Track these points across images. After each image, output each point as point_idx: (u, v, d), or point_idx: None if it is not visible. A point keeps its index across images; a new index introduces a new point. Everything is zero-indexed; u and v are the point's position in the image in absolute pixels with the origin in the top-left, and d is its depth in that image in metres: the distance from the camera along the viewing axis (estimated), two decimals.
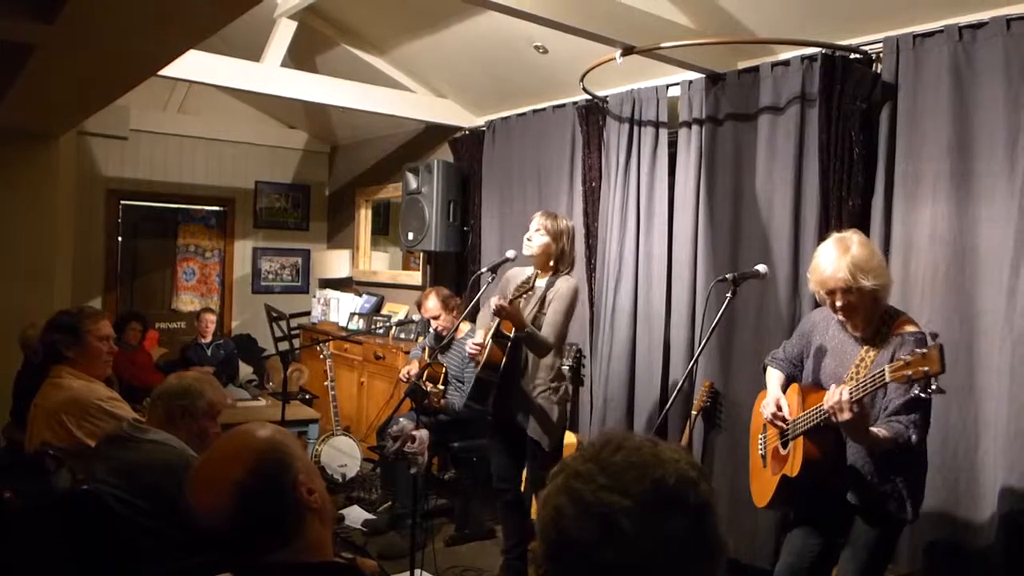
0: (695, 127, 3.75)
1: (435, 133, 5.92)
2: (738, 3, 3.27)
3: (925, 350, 2.00)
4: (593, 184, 4.33)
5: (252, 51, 4.68)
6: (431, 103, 5.41)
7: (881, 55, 3.12)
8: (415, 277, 6.29)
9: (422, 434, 3.37)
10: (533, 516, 3.45)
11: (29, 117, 4.83)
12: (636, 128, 4.06)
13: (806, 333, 2.61)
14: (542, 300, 3.32)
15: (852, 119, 3.12)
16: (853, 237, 2.33)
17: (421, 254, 6.06)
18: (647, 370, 3.98)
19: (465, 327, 4.47)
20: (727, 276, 2.72)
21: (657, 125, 3.97)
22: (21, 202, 5.39)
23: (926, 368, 1.99)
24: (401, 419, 3.77)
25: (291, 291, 7.53)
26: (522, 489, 3.60)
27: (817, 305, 2.62)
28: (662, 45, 3.29)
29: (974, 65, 2.84)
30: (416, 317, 4.54)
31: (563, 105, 4.62)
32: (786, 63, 3.38)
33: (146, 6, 2.80)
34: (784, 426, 2.46)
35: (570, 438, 3.92)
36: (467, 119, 5.49)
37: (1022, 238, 2.68)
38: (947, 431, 2.85)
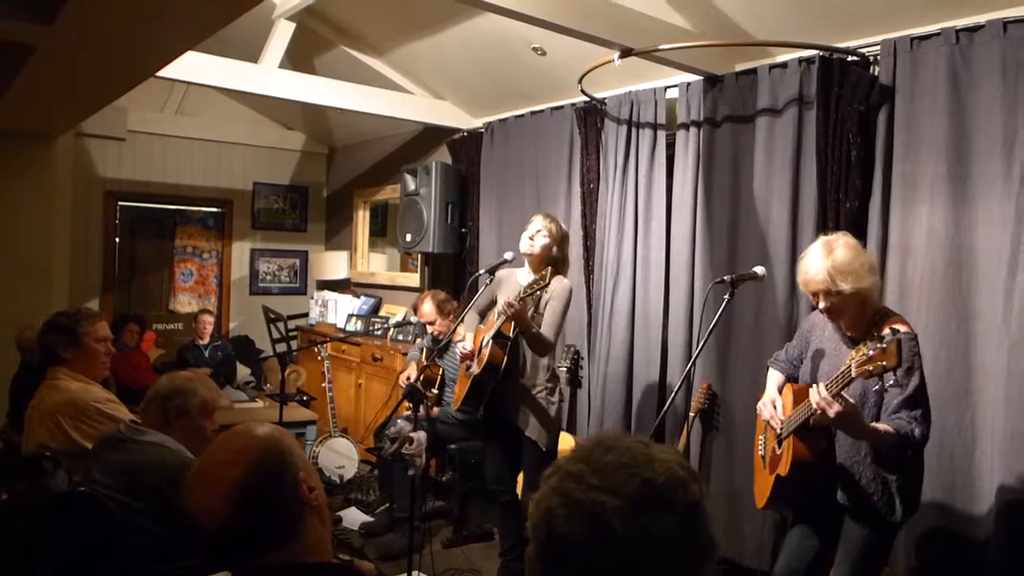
0: (693, 129, 3.75)
1: (433, 135, 5.92)
2: (736, 5, 3.27)
3: (884, 345, 2.02)
4: (591, 186, 4.34)
5: (250, 52, 4.68)
6: (429, 105, 5.41)
7: (878, 58, 3.13)
8: (413, 279, 6.29)
9: (420, 436, 3.36)
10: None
11: (27, 118, 4.83)
12: (634, 130, 4.06)
13: (805, 334, 2.64)
14: (537, 302, 3.33)
15: (850, 121, 3.12)
16: (839, 240, 2.35)
17: (419, 256, 6.06)
18: (645, 372, 3.98)
19: (463, 330, 4.47)
20: (725, 278, 2.72)
21: (655, 127, 3.97)
22: (18, 203, 5.39)
23: (884, 362, 2.02)
24: (399, 421, 3.77)
25: (289, 292, 7.52)
26: (519, 491, 3.60)
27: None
28: (660, 47, 3.29)
29: (971, 68, 2.84)
30: (414, 319, 4.54)
31: (561, 107, 4.62)
32: (784, 65, 3.38)
33: (145, 8, 2.80)
34: (778, 426, 2.48)
35: (568, 442, 3.92)
36: (465, 121, 5.49)
37: (1019, 240, 2.68)
38: (944, 433, 2.85)
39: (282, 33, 4.71)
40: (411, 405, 3.40)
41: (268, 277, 7.47)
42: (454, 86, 5.22)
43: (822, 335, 2.54)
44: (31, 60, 3.38)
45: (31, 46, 3.20)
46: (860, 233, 2.98)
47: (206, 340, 6.15)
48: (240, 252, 7.34)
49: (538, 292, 3.23)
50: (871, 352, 2.05)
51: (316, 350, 5.68)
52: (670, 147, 3.93)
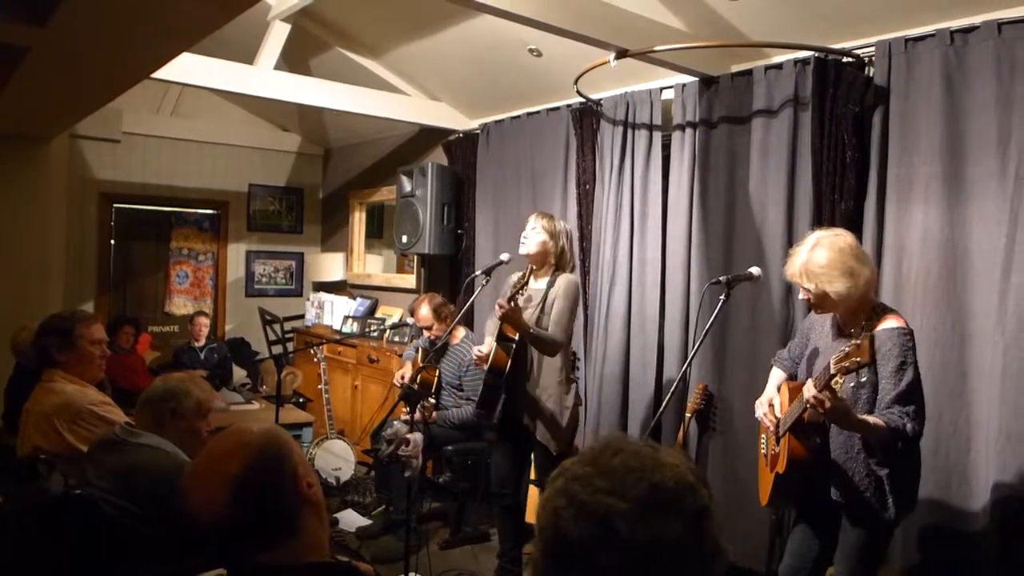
0: (688, 130, 3.76)
1: (429, 136, 5.92)
2: (731, 7, 3.28)
3: (859, 341, 2.07)
4: (587, 187, 4.34)
5: (246, 54, 4.67)
6: (425, 106, 5.41)
7: (873, 59, 3.13)
8: (409, 280, 6.28)
9: (416, 437, 3.36)
10: (530, 519, 3.46)
11: (21, 120, 4.82)
12: (630, 131, 4.06)
13: (806, 332, 2.66)
14: (544, 300, 3.31)
15: (845, 122, 3.13)
16: (828, 239, 2.36)
17: (415, 257, 6.06)
18: (641, 372, 3.98)
19: (461, 332, 4.47)
20: (721, 279, 2.73)
21: (651, 128, 3.98)
22: (13, 205, 5.37)
23: (858, 359, 2.06)
24: (395, 422, 3.76)
25: (285, 294, 7.51)
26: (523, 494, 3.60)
27: None
28: (656, 48, 3.29)
29: (966, 69, 2.85)
30: (410, 321, 4.54)
31: (557, 108, 4.63)
32: (779, 66, 3.39)
33: (139, 9, 2.79)
34: (769, 424, 2.50)
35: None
36: (461, 122, 5.49)
37: (1013, 240, 2.69)
38: (939, 433, 2.86)
39: (277, 34, 4.70)
40: (408, 407, 3.40)
41: (264, 279, 7.46)
42: (450, 87, 5.22)
43: (820, 332, 2.56)
44: (25, 62, 3.37)
45: (25, 48, 3.20)
46: (855, 233, 2.97)
47: (202, 342, 6.14)
48: (236, 254, 7.32)
49: (524, 290, 3.21)
50: (847, 348, 2.09)
51: (312, 352, 5.68)
52: (666, 148, 3.93)
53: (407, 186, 5.44)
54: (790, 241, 3.33)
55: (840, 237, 2.37)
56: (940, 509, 2.88)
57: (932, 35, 2.94)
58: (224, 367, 6.19)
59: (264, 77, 4.67)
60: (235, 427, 1.41)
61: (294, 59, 5.25)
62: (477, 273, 3.58)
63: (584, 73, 3.72)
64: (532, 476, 3.70)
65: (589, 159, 4.32)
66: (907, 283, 3.01)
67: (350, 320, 6.45)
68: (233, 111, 7.13)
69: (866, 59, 3.18)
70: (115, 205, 6.77)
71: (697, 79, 3.70)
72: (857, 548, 2.37)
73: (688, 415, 3.64)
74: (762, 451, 2.67)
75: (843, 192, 3.16)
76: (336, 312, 6.72)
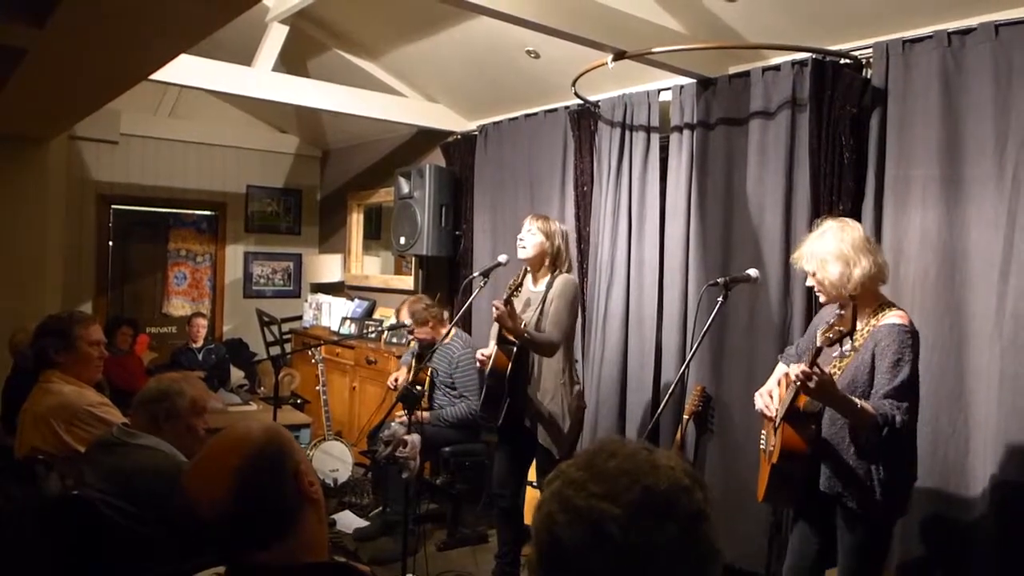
0: (686, 131, 3.76)
1: (427, 138, 5.92)
2: (728, 8, 3.28)
3: (843, 311, 2.16)
4: (585, 188, 4.34)
5: (244, 55, 4.67)
6: (423, 107, 5.41)
7: (871, 60, 3.14)
8: (407, 281, 6.28)
9: (414, 439, 3.36)
10: (528, 521, 3.46)
11: (19, 121, 4.81)
12: (628, 132, 4.07)
13: (814, 328, 2.67)
14: (543, 302, 3.30)
15: (842, 124, 3.14)
16: (833, 226, 2.44)
17: (413, 258, 6.06)
18: (639, 374, 3.99)
19: (452, 331, 4.46)
20: (718, 280, 2.73)
21: (648, 129, 3.98)
22: (11, 206, 5.37)
23: (841, 328, 2.14)
24: (393, 424, 3.77)
25: (283, 295, 7.51)
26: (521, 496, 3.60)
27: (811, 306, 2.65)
28: (653, 50, 3.30)
29: (963, 70, 2.86)
30: (408, 321, 4.54)
31: (555, 110, 4.63)
32: (777, 68, 3.39)
33: (137, 10, 2.79)
34: (772, 413, 2.51)
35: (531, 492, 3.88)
36: (459, 123, 5.49)
37: (1011, 243, 2.70)
38: (937, 435, 2.87)
39: (275, 36, 4.71)
40: (405, 408, 3.40)
41: (262, 280, 7.46)
42: (448, 89, 5.22)
43: (825, 319, 2.58)
44: (23, 63, 3.37)
45: (23, 49, 3.19)
46: None
47: (200, 343, 6.14)
48: (234, 255, 7.32)
49: (518, 291, 3.21)
50: (831, 319, 2.18)
51: (310, 353, 5.67)
52: (664, 150, 3.94)
53: (405, 187, 5.45)
54: (788, 243, 3.34)
55: (846, 225, 2.43)
56: (937, 510, 2.89)
57: (930, 37, 2.94)
58: (222, 368, 6.19)
59: (262, 79, 4.67)
60: (236, 425, 1.41)
61: (292, 61, 5.25)
62: (475, 275, 3.58)
63: (582, 75, 3.72)
64: (532, 478, 3.70)
65: (587, 161, 4.32)
66: (905, 285, 3.01)
67: (348, 321, 6.44)
68: (231, 112, 7.12)
69: (864, 61, 3.19)
70: (113, 206, 6.76)
71: (695, 80, 3.71)
72: (854, 549, 2.38)
73: (686, 417, 3.64)
74: (761, 447, 2.67)
75: (841, 194, 3.16)
76: (334, 313, 6.72)
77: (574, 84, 3.88)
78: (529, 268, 3.40)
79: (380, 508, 4.53)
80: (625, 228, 4.06)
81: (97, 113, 4.93)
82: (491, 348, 3.36)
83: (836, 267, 2.35)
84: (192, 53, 4.04)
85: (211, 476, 1.30)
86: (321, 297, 6.95)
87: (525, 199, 4.78)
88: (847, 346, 2.27)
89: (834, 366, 2.38)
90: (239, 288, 7.33)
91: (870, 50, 3.14)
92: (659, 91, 3.95)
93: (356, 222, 7.10)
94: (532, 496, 3.86)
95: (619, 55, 3.31)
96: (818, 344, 2.19)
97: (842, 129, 3.14)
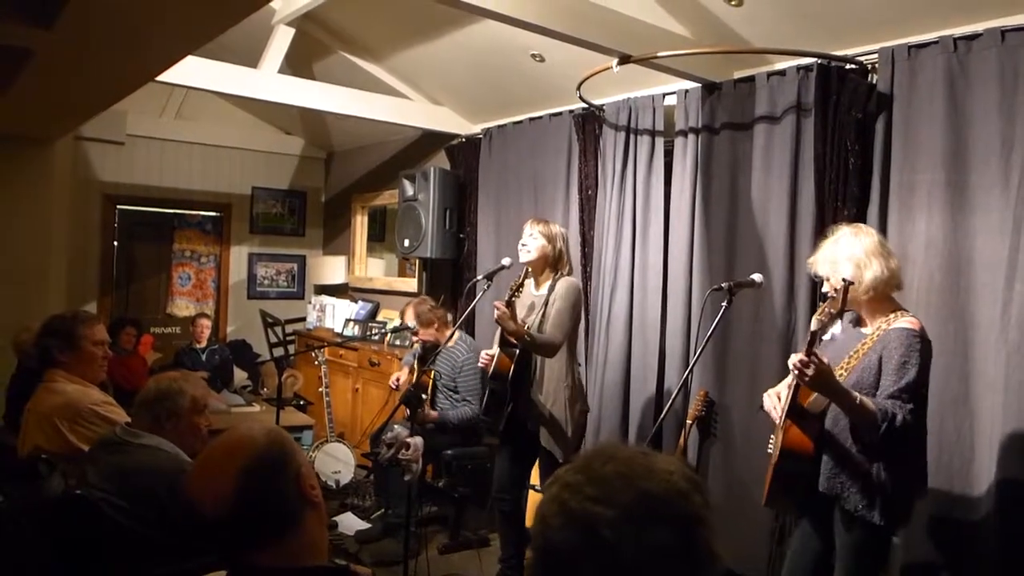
0: (691, 136, 3.76)
1: (432, 140, 5.93)
2: (734, 13, 3.28)
3: (836, 294, 2.21)
4: (589, 192, 4.34)
5: (250, 57, 4.69)
6: (428, 110, 5.42)
7: (876, 66, 3.13)
8: (411, 284, 6.29)
9: (416, 441, 3.36)
10: (529, 525, 3.45)
11: (26, 122, 4.83)
12: (632, 137, 4.07)
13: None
14: (545, 306, 3.30)
15: (847, 129, 3.13)
16: (847, 231, 2.47)
17: (417, 261, 6.06)
18: (642, 379, 3.98)
19: (456, 334, 4.46)
20: (723, 285, 2.72)
21: (653, 134, 3.98)
22: (17, 206, 5.39)
23: (831, 309, 2.20)
24: (395, 426, 3.76)
25: (286, 297, 7.52)
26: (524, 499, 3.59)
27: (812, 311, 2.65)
28: (658, 54, 3.30)
29: (969, 76, 2.85)
30: (412, 323, 4.55)
31: (559, 113, 4.63)
32: (782, 73, 3.39)
33: (144, 12, 2.80)
34: (777, 415, 2.50)
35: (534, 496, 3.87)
36: (464, 127, 5.50)
37: (1017, 249, 2.69)
38: (942, 441, 2.85)
39: (281, 38, 4.72)
40: (408, 410, 3.40)
41: (266, 281, 7.47)
42: (453, 92, 5.23)
43: (843, 326, 2.60)
44: (30, 64, 3.39)
45: (30, 50, 3.21)
46: None
47: (203, 344, 6.15)
48: (238, 256, 7.34)
49: (519, 291, 3.21)
50: (824, 303, 2.24)
51: (313, 355, 5.68)
52: (668, 154, 3.93)
53: (409, 190, 5.45)
54: (792, 248, 3.33)
55: (860, 230, 2.46)
56: (942, 517, 2.87)
57: (935, 42, 2.94)
58: (225, 369, 6.20)
59: (268, 81, 4.69)
60: (240, 426, 1.42)
61: (298, 63, 5.26)
62: (479, 278, 3.58)
63: (587, 78, 3.72)
64: (535, 481, 3.70)
65: (591, 164, 4.32)
66: (910, 291, 3.00)
67: (351, 323, 6.45)
68: (237, 114, 7.14)
69: (869, 66, 3.18)
70: (118, 207, 6.79)
71: (700, 85, 3.71)
72: (851, 552, 2.36)
73: (689, 422, 3.63)
74: (769, 451, 2.66)
75: (846, 199, 3.16)
76: (337, 315, 6.73)
77: (579, 88, 3.88)
78: (532, 273, 3.40)
79: (382, 510, 4.53)
80: (629, 232, 4.06)
81: (103, 114, 4.95)
82: (495, 350, 3.36)
83: (847, 270, 2.35)
84: (198, 55, 4.06)
85: (215, 477, 1.31)
86: (325, 299, 6.96)
87: (529, 202, 4.78)
88: (838, 327, 2.29)
89: (841, 368, 2.37)
90: (243, 289, 7.34)
91: (875, 55, 3.13)
92: (664, 95, 3.95)
93: (360, 224, 7.10)
94: (535, 499, 3.86)
95: (624, 59, 3.31)
96: (812, 328, 2.21)
97: (847, 134, 3.13)
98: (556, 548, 0.91)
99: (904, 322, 2.33)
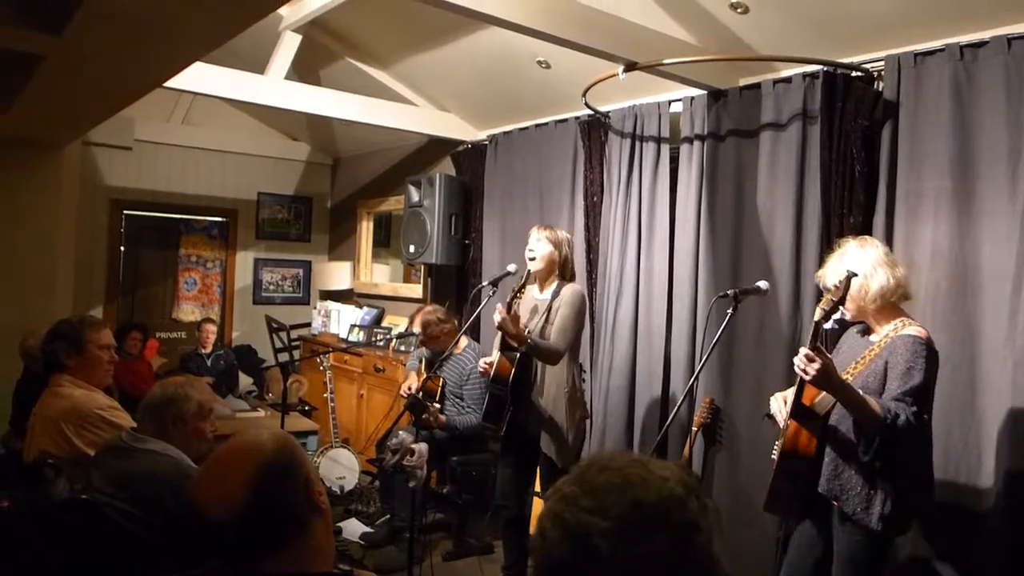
0: (697, 143, 3.76)
1: (437, 146, 5.94)
2: (740, 20, 3.29)
3: (838, 283, 2.23)
4: (594, 199, 4.34)
5: (257, 63, 4.71)
6: (434, 117, 5.43)
7: (883, 73, 3.13)
8: (416, 290, 6.29)
9: (421, 447, 3.35)
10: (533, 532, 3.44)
11: (34, 127, 4.86)
12: (638, 143, 4.07)
13: (841, 342, 2.69)
14: (548, 311, 3.30)
15: (853, 136, 3.13)
16: (853, 243, 2.49)
17: (422, 267, 6.07)
18: (647, 385, 3.97)
19: (464, 341, 4.46)
20: (728, 292, 2.72)
21: (659, 141, 3.98)
22: (24, 211, 5.42)
23: (833, 299, 2.22)
24: (400, 432, 3.76)
25: (292, 302, 7.53)
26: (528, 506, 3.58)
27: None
28: (664, 61, 3.30)
29: (975, 84, 2.85)
30: (416, 329, 4.55)
31: (565, 120, 4.64)
32: (788, 80, 3.39)
33: (153, 20, 2.81)
34: (782, 418, 2.50)
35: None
36: (469, 133, 5.51)
37: (1023, 256, 2.68)
38: (949, 449, 2.84)
39: (288, 45, 4.75)
40: (413, 416, 3.39)
41: (271, 287, 7.48)
42: (458, 98, 5.24)
43: (852, 333, 2.62)
44: (40, 70, 3.41)
45: (40, 56, 3.23)
46: None
47: (209, 349, 6.16)
48: (244, 262, 7.35)
49: (520, 294, 3.21)
50: (828, 293, 2.26)
51: (318, 360, 5.68)
52: (674, 161, 3.94)
53: (415, 196, 5.46)
54: (798, 255, 3.33)
55: (866, 242, 2.48)
56: (949, 525, 2.86)
57: (941, 50, 2.94)
58: (230, 374, 6.21)
59: (274, 87, 4.71)
60: (248, 432, 1.43)
61: (304, 69, 5.28)
62: (484, 284, 3.58)
63: (593, 85, 3.73)
64: (538, 488, 3.69)
65: (597, 171, 4.33)
66: (916, 299, 2.98)
67: (356, 329, 6.46)
68: (243, 120, 7.17)
69: (875, 73, 3.18)
70: (125, 212, 6.81)
71: (706, 92, 3.71)
72: (848, 556, 2.36)
73: (694, 428, 3.62)
74: (773, 456, 2.65)
75: (852, 206, 3.15)
76: (343, 321, 6.73)
77: (584, 95, 3.89)
78: (537, 279, 3.41)
79: (386, 516, 4.52)
80: (635, 239, 4.06)
81: (111, 119, 4.98)
82: (494, 355, 3.36)
83: (855, 280, 2.34)
84: (206, 61, 4.07)
85: (223, 483, 1.31)
86: (330, 304, 6.96)
87: (535, 209, 4.79)
88: (837, 316, 2.30)
89: (847, 373, 2.37)
90: (248, 294, 7.36)
91: (882, 63, 3.13)
92: (670, 102, 3.95)
93: (366, 230, 7.12)
94: (539, 506, 3.84)
95: (630, 66, 3.32)
96: (816, 319, 2.22)
97: (853, 142, 3.13)
98: (554, 560, 0.92)
99: (912, 330, 2.34)
